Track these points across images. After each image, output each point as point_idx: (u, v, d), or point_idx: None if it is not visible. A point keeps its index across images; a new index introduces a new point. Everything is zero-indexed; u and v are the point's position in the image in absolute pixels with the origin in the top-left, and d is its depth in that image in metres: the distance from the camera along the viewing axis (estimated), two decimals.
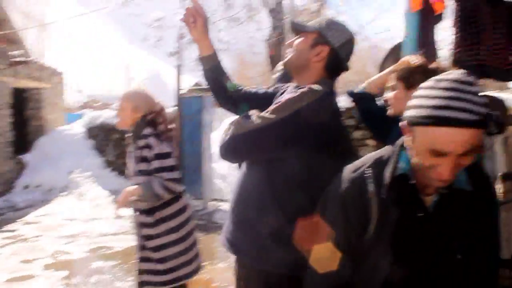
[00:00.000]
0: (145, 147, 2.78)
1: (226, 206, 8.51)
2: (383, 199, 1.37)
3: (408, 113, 1.27)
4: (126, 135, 3.02)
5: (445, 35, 4.07)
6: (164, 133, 2.90)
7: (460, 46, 3.59)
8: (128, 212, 3.00)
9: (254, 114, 1.79)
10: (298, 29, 1.96)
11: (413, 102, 1.27)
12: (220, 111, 11.11)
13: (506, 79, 3.69)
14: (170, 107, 10.27)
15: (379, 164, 1.43)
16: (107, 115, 11.46)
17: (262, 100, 2.13)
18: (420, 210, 1.36)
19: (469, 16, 3.55)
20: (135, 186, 2.77)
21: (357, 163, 1.50)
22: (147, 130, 2.83)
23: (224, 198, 9.00)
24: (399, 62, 2.17)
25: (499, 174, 2.15)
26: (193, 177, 8.68)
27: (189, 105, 8.89)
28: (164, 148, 2.80)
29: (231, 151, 1.78)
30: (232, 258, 1.96)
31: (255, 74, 34.55)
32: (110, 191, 9.87)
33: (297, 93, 1.74)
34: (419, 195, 1.37)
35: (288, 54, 1.96)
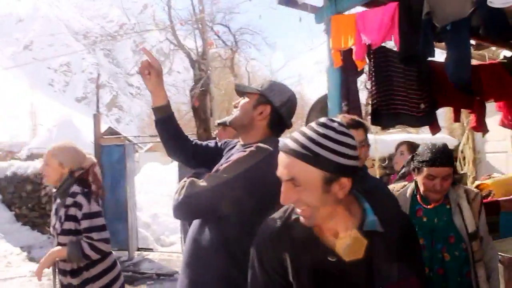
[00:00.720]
0: (73, 205, 2.66)
1: (152, 256, 8.32)
2: (292, 248, 1.35)
3: None
4: (43, 187, 2.90)
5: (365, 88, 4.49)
6: (94, 193, 2.79)
7: (376, 98, 4.01)
8: (47, 270, 2.76)
9: (204, 173, 1.89)
10: (241, 91, 2.11)
11: None
12: (138, 156, 10.94)
13: (418, 125, 4.15)
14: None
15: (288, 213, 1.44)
16: (18, 166, 10.80)
17: (212, 154, 2.24)
18: (332, 256, 1.32)
19: (383, 71, 3.99)
20: (60, 247, 2.64)
21: (272, 215, 1.50)
22: (76, 188, 2.71)
23: (149, 246, 8.79)
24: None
25: (468, 233, 2.29)
26: (116, 226, 8.39)
27: (109, 153, 8.69)
28: (94, 207, 2.70)
29: (184, 211, 1.84)
30: None
31: None
32: (23, 247, 9.20)
33: (246, 152, 1.85)
34: (319, 240, 1.35)
35: (233, 114, 2.08)
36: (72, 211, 2.66)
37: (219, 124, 2.42)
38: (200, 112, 5.62)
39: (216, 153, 2.23)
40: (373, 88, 4.05)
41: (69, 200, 2.67)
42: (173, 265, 7.62)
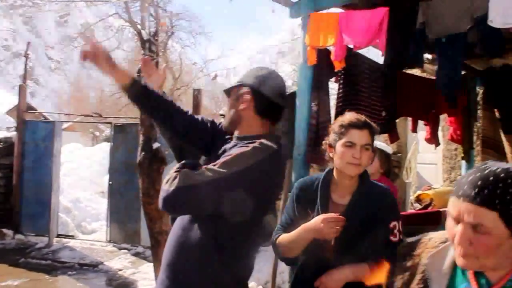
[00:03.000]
0: None
1: (73, 243, 7.78)
2: None
3: None
4: None
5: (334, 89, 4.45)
6: None
7: (342, 101, 3.99)
8: None
9: (196, 165, 1.73)
10: (228, 92, 1.95)
11: None
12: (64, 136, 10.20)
13: (380, 132, 4.17)
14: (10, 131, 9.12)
15: None
16: None
17: (208, 134, 2.00)
18: None
19: (351, 74, 3.97)
20: None
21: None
22: None
23: (69, 233, 8.21)
24: None
25: None
26: (36, 209, 7.76)
27: (34, 130, 8.01)
28: None
29: (174, 204, 1.65)
30: None
31: (92, 99, 32.88)
32: None
33: (249, 148, 1.69)
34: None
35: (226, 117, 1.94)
36: None
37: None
38: None
39: (214, 135, 1.99)
40: (340, 90, 4.02)
41: None
42: (96, 255, 7.19)
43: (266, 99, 1.83)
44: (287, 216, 2.08)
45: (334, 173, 2.05)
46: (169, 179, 1.64)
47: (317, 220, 1.87)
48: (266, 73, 1.89)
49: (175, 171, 1.66)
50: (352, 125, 1.97)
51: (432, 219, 3.49)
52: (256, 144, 1.70)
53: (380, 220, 1.94)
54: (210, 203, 1.63)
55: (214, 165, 1.64)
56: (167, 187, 1.62)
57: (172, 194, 1.60)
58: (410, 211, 4.84)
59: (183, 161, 1.80)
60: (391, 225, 1.95)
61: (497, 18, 2.42)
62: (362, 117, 2.03)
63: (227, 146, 1.87)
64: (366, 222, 1.92)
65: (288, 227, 2.02)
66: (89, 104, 31.72)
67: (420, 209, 4.41)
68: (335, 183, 2.04)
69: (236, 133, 1.89)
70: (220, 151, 1.85)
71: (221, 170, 1.61)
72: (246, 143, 1.74)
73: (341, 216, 1.85)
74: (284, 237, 2.00)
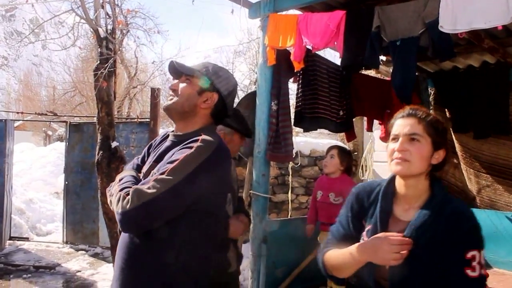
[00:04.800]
0: None
1: (28, 246, 7.55)
2: None
3: None
4: None
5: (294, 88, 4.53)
6: None
7: (301, 100, 4.09)
8: None
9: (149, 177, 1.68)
10: (181, 72, 1.83)
11: None
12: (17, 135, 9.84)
13: (336, 130, 4.30)
14: None
15: None
16: None
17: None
18: None
19: (310, 75, 4.07)
20: None
21: None
22: None
23: (23, 235, 7.96)
24: None
25: None
26: None
27: None
28: None
29: (135, 223, 1.59)
30: None
31: (43, 98, 31.69)
32: None
33: (193, 149, 1.64)
34: None
35: (171, 98, 1.83)
36: None
37: None
38: (104, 95, 5.18)
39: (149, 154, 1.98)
40: (299, 90, 4.12)
41: None
42: (53, 257, 7.00)
43: (225, 108, 1.88)
44: (340, 227, 1.76)
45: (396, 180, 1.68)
46: (119, 199, 1.59)
47: (376, 240, 1.52)
48: (234, 83, 1.91)
49: (121, 189, 1.63)
50: (397, 116, 1.66)
51: None
52: (199, 143, 1.66)
53: (453, 247, 1.49)
54: (168, 213, 1.60)
55: (162, 174, 1.60)
56: (121, 209, 1.56)
57: (131, 215, 1.55)
58: None
59: (122, 176, 1.79)
60: (469, 255, 1.48)
61: (447, 24, 2.57)
62: (415, 107, 1.66)
63: (166, 144, 1.83)
64: (434, 248, 1.50)
65: (339, 239, 1.73)
66: (40, 102, 30.65)
67: None
68: (399, 193, 1.65)
69: (177, 130, 1.85)
70: (160, 151, 1.82)
71: (170, 177, 1.58)
72: (188, 143, 1.69)
73: (407, 238, 1.48)
74: (331, 254, 1.69)
